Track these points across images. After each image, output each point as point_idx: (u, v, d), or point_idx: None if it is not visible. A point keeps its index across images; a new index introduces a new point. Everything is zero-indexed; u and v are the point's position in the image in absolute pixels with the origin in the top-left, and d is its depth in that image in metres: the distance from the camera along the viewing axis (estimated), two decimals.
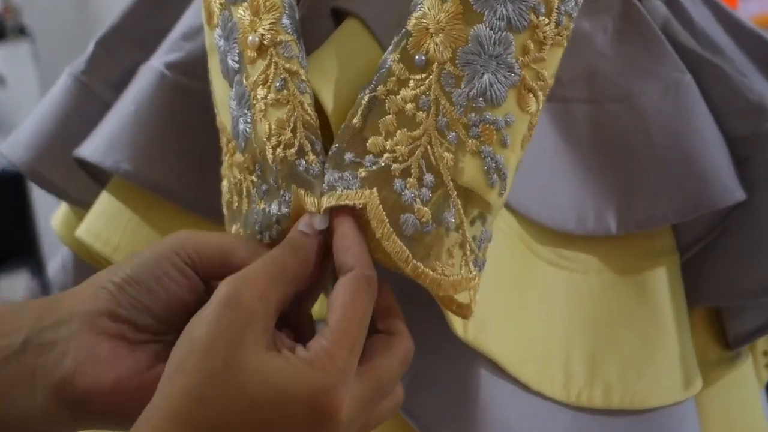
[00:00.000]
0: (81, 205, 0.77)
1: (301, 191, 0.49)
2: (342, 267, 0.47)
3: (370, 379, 0.46)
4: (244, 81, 0.53)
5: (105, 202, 0.71)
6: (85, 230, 0.70)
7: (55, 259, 0.81)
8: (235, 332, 0.43)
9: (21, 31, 3.16)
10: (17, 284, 2.82)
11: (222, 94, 0.57)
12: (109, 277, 0.48)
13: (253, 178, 0.53)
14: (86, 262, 0.77)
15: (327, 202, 0.49)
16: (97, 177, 0.74)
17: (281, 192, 0.51)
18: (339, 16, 0.58)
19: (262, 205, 0.52)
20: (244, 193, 0.55)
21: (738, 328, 0.72)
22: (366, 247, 0.49)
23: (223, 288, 0.44)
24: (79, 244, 0.73)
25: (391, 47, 0.51)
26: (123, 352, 0.47)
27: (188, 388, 0.42)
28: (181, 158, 0.68)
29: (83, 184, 0.75)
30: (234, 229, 0.56)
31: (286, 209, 0.50)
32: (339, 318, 0.45)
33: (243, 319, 0.43)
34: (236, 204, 0.56)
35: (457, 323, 0.57)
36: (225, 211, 0.58)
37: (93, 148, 0.70)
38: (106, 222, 0.70)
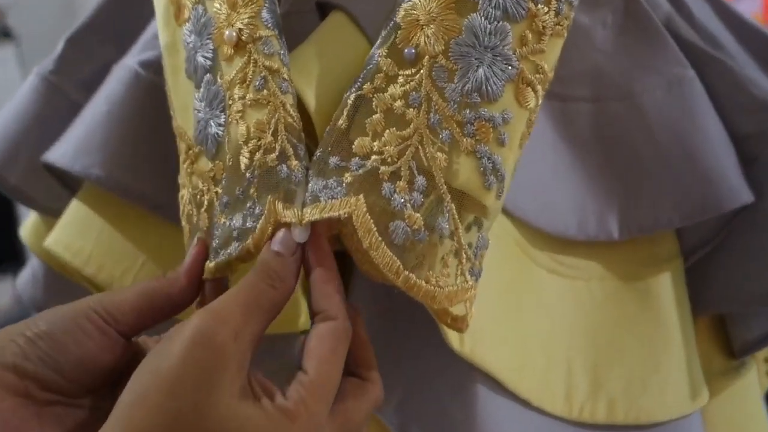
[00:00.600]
0: (51, 213, 0.73)
1: (278, 204, 0.45)
2: (321, 312, 0.45)
3: (342, 422, 0.44)
4: (218, 80, 0.49)
5: (75, 210, 0.67)
6: (54, 240, 0.67)
7: (25, 271, 0.77)
8: (207, 375, 0.39)
9: (6, 34, 3.12)
10: (1, 291, 2.78)
11: (184, 95, 0.53)
12: (21, 330, 0.45)
13: (219, 189, 0.49)
14: (58, 273, 0.73)
15: (310, 214, 0.45)
16: (67, 183, 0.70)
17: (248, 204, 0.47)
18: (324, 11, 0.54)
19: (223, 219, 0.48)
20: (205, 206, 0.51)
21: (745, 335, 0.69)
22: (343, 294, 0.46)
23: (194, 322, 0.41)
24: (50, 255, 0.69)
25: (379, 41, 0.47)
26: (27, 414, 0.44)
27: (151, 426, 0.38)
28: (157, 162, 0.64)
29: (53, 190, 0.71)
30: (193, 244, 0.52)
31: (252, 223, 0.46)
32: (318, 369, 0.43)
33: (215, 362, 0.40)
34: (195, 218, 0.52)
35: (452, 336, 0.53)
36: (184, 224, 0.54)
37: (62, 152, 0.66)
38: (77, 231, 0.66)
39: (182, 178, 0.54)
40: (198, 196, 0.51)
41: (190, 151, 0.52)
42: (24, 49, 3.19)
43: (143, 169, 0.65)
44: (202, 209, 0.51)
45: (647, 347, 0.61)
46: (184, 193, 0.54)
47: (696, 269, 0.66)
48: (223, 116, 0.49)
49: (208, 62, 0.50)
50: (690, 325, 0.64)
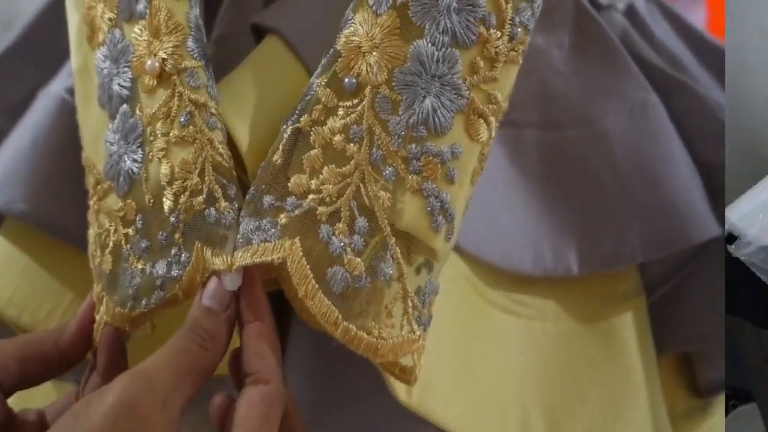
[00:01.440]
0: None
1: (207, 250, 0.41)
2: (253, 374, 0.41)
3: None
4: (138, 112, 0.45)
5: None
6: None
7: None
8: None
9: None
10: None
11: (95, 125, 0.49)
12: None
13: (129, 231, 0.45)
14: None
15: (240, 259, 0.41)
16: None
17: (173, 251, 0.43)
18: (260, 34, 0.51)
19: (140, 266, 0.44)
20: (109, 248, 0.47)
21: (712, 374, 0.66)
22: (279, 353, 0.42)
23: (117, 386, 0.37)
24: None
25: (318, 70, 0.44)
26: None
27: None
28: (84, 196, 0.59)
29: None
30: (96, 290, 0.48)
31: (178, 271, 0.43)
32: None
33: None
34: (98, 260, 0.48)
35: (398, 387, 0.50)
36: (90, 265, 0.50)
37: None
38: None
39: (90, 215, 0.50)
40: (103, 236, 0.47)
41: (99, 187, 0.48)
42: None
43: (70, 203, 0.60)
44: (106, 251, 0.47)
45: (610, 393, 0.59)
46: (91, 232, 0.50)
47: (660, 305, 0.63)
48: (140, 152, 0.45)
49: (125, 92, 0.46)
50: (654, 366, 0.61)
